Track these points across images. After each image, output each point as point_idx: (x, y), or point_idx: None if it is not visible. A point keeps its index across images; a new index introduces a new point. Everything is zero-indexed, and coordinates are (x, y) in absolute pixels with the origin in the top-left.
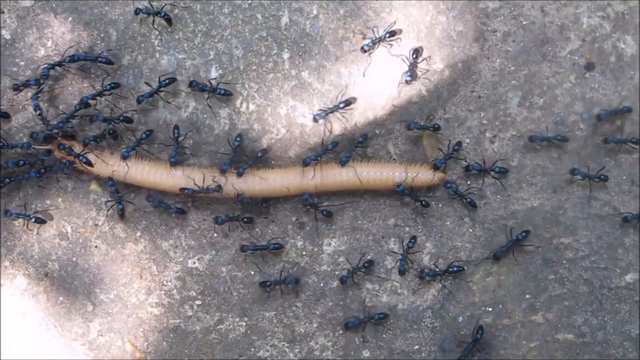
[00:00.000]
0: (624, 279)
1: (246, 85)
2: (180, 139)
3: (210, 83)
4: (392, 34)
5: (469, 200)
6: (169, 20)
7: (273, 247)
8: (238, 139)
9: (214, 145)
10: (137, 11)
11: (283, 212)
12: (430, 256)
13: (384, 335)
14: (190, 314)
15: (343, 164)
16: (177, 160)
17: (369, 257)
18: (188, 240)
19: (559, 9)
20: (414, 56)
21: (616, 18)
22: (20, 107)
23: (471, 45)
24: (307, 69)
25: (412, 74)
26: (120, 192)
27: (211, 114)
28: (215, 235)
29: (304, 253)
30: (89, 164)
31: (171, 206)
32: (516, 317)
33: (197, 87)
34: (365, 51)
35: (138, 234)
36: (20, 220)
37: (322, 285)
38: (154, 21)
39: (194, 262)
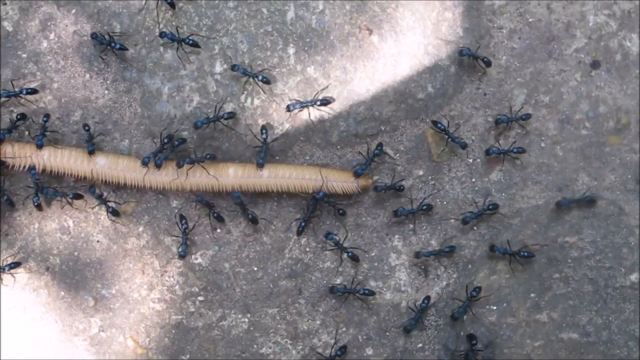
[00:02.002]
0: (629, 279)
1: (251, 80)
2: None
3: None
4: (325, 103)
5: (399, 187)
6: (172, 4)
7: None
8: (176, 140)
9: (217, 140)
10: None
11: (287, 209)
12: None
13: (388, 333)
14: (193, 310)
15: (260, 166)
16: (94, 149)
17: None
18: (191, 236)
19: (565, 7)
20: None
21: (622, 16)
22: (22, 100)
23: (477, 42)
24: (312, 64)
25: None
26: (41, 182)
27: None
28: (218, 231)
29: (307, 249)
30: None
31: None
32: (521, 315)
33: (238, 70)
34: (289, 111)
35: (140, 228)
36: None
37: (325, 282)
38: (158, 4)
39: (197, 258)
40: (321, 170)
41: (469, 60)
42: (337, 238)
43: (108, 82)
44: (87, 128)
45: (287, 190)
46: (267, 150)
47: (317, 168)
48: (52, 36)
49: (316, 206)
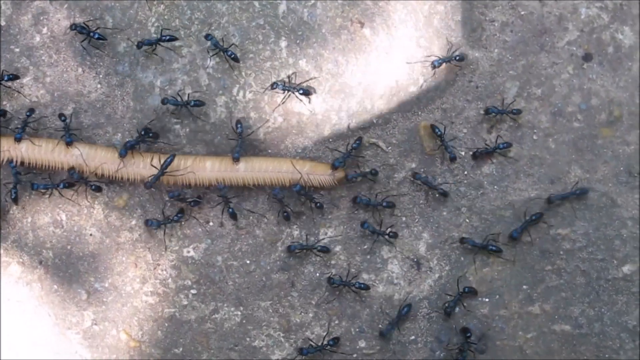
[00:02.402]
0: (621, 270)
1: (243, 73)
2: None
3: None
4: (306, 93)
5: (372, 171)
6: None
7: None
8: (144, 131)
9: (210, 133)
10: None
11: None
12: (427, 246)
13: (380, 326)
14: (186, 303)
15: (236, 160)
16: (72, 140)
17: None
18: (183, 229)
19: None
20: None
21: (614, 9)
22: (15, 94)
23: (469, 35)
24: (304, 57)
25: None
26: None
27: (207, 101)
28: (211, 224)
29: (300, 242)
30: None
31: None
32: (513, 307)
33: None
34: (272, 88)
35: (133, 222)
36: (13, 208)
37: (318, 275)
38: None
39: (189, 251)
40: (298, 163)
41: (447, 64)
42: (298, 244)
43: (101, 76)
44: (63, 118)
45: (264, 183)
46: (242, 144)
47: (293, 160)
48: (44, 30)
49: (281, 196)
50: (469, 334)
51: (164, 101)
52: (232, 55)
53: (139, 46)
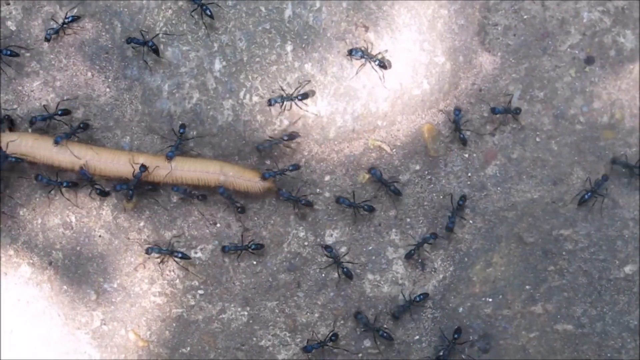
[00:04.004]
0: (623, 271)
1: (249, 77)
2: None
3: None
4: (304, 96)
5: (291, 167)
6: None
7: None
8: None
9: (217, 136)
10: None
11: (285, 203)
12: (431, 247)
13: (385, 326)
14: (193, 303)
15: (169, 158)
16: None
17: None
18: (191, 231)
19: (559, 3)
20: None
21: (616, 12)
22: (26, 98)
23: (472, 39)
24: (310, 61)
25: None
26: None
27: (215, 105)
28: (218, 225)
29: (305, 244)
30: None
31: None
32: (516, 307)
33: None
34: (270, 105)
35: (142, 223)
36: (24, 210)
37: (323, 275)
38: None
39: (197, 252)
40: (226, 166)
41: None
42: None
43: (109, 80)
44: (6, 116)
45: (192, 183)
46: (179, 145)
47: (221, 163)
48: (54, 35)
49: (228, 194)
50: (456, 335)
51: (31, 121)
52: (209, 13)
53: (127, 41)
